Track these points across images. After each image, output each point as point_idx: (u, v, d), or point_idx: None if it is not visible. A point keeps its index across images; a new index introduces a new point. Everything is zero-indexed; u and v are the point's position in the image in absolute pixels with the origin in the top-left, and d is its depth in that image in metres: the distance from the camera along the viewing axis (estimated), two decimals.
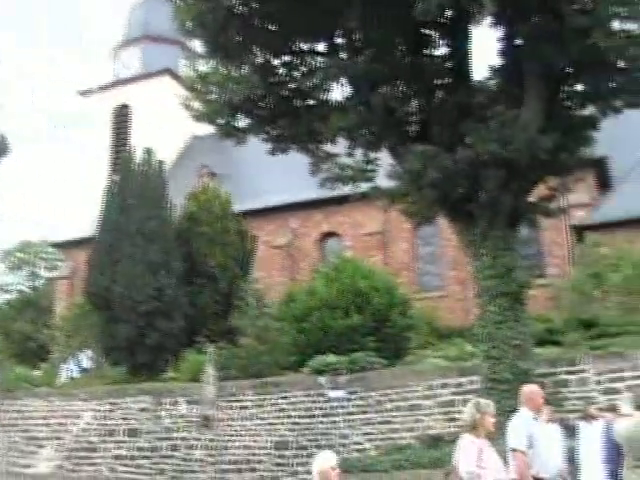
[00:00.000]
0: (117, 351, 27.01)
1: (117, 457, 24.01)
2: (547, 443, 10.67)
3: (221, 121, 20.77)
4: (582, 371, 19.16)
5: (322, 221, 37.74)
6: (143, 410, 24.05)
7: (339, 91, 19.86)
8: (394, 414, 20.75)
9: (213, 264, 28.68)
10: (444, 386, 20.36)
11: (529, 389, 10.93)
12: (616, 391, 17.89)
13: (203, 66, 20.94)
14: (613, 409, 13.26)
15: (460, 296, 31.07)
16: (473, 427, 8.86)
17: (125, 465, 23.75)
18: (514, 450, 9.74)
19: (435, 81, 19.44)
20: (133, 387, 24.89)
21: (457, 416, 19.88)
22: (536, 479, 9.94)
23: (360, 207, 31.80)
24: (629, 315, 23.77)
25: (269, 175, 37.64)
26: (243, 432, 22.54)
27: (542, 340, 21.85)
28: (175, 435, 23.34)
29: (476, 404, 9.04)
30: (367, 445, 20.77)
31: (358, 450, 20.89)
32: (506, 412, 17.71)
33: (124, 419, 24.35)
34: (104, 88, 51.47)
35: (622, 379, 18.39)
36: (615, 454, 11.25)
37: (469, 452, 8.70)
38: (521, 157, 17.23)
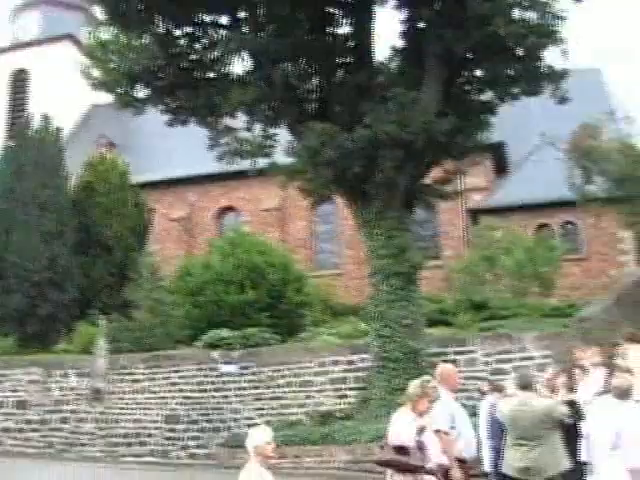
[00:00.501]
0: (7, 321, 26.32)
1: (5, 430, 23.41)
2: (467, 423, 10.67)
3: (120, 90, 20.38)
4: (471, 352, 19.53)
5: (221, 195, 37.48)
6: (32, 382, 23.53)
7: (240, 65, 19.74)
8: (286, 390, 20.82)
9: (109, 235, 28.17)
10: (336, 363, 20.50)
11: (445, 369, 10.70)
12: (503, 372, 18.29)
13: (104, 34, 20.49)
14: (499, 389, 13.54)
15: (356, 275, 31.28)
16: (412, 403, 8.80)
17: (14, 438, 23.17)
18: (437, 431, 9.65)
19: (337, 60, 19.48)
20: (23, 358, 24.28)
21: (348, 393, 20.17)
22: (458, 460, 9.85)
23: (259, 183, 31.69)
24: (519, 298, 24.40)
25: (170, 147, 37.19)
26: (134, 405, 22.27)
27: (434, 320, 22.23)
28: (65, 408, 22.93)
29: (424, 382, 8.96)
30: (258, 420, 20.74)
31: (249, 425, 20.87)
32: (395, 390, 18.18)
33: (13, 391, 23.73)
34: (1, 51, 49.81)
35: (509, 360, 18.82)
36: (498, 431, 11.50)
37: (409, 426, 8.66)
38: (418, 139, 17.41)
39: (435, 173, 20.45)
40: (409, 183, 18.55)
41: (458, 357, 19.45)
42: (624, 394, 9.11)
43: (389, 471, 8.62)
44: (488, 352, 19.21)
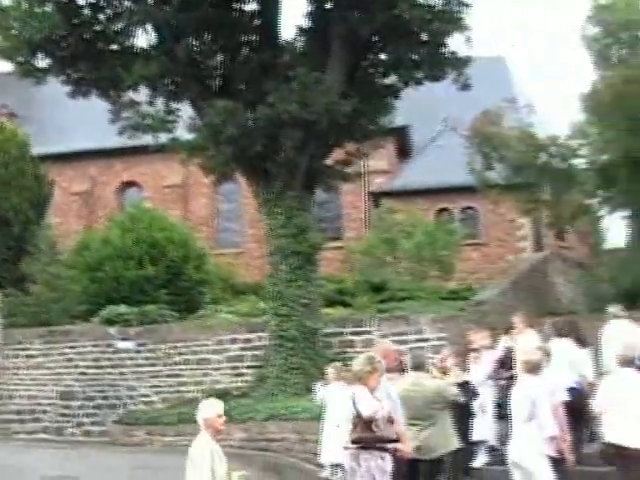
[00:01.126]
0: None
1: None
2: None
3: (20, 59, 19.79)
4: (368, 332, 19.73)
5: (123, 170, 36.79)
6: None
7: (144, 39, 19.45)
8: (183, 367, 20.76)
9: (6, 208, 27.41)
10: (233, 341, 20.52)
11: (384, 346, 10.64)
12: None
13: None
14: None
15: (258, 254, 31.18)
16: (363, 380, 8.71)
17: None
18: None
19: (242, 37, 19.38)
20: None
21: (245, 371, 20.21)
22: None
23: (161, 159, 31.22)
24: (418, 281, 24.75)
25: (72, 119, 36.26)
26: (29, 381, 21.93)
27: (333, 301, 22.44)
28: None
29: (371, 358, 8.87)
30: (154, 398, 20.70)
31: (145, 402, 20.79)
32: (292, 369, 18.31)
33: None
34: None
35: (405, 342, 19.05)
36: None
37: (368, 398, 8.62)
38: (320, 120, 17.47)
39: (338, 155, 20.57)
40: (310, 164, 18.61)
41: (355, 337, 19.68)
42: (535, 368, 9.38)
43: (351, 451, 8.47)
44: (384, 333, 19.39)
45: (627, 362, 9.08)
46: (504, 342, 13.61)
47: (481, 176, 25.71)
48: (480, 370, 12.91)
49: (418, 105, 32.91)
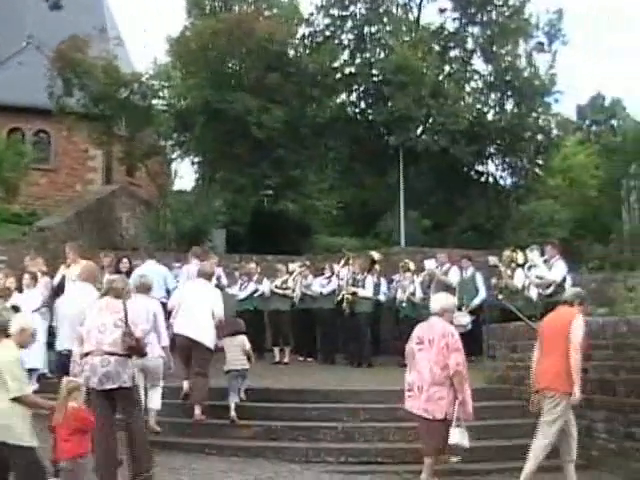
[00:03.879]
0: None
1: None
2: None
3: None
4: None
5: None
6: None
7: None
8: None
9: None
10: None
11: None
12: None
13: None
14: None
15: None
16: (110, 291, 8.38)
17: None
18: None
19: None
20: None
21: None
22: None
23: None
24: None
25: None
26: None
27: None
28: None
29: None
30: None
31: None
32: None
33: None
34: None
35: None
36: None
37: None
38: None
39: None
40: None
41: None
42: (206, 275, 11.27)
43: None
44: None
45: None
46: (61, 271, 13.75)
47: (59, 101, 25.19)
48: (35, 296, 12.81)
49: (2, 18, 31.30)
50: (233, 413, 10.11)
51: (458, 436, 8.06)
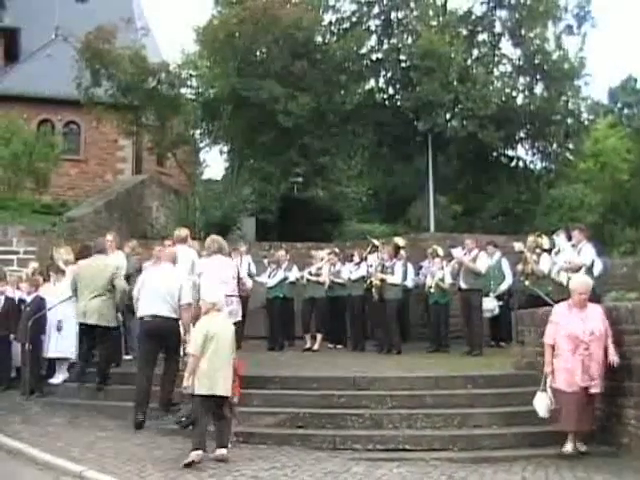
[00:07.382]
0: None
1: None
2: None
3: None
4: None
5: None
6: None
7: None
8: None
9: None
10: None
11: None
12: None
13: None
14: None
15: None
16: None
17: None
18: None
19: None
20: None
21: None
22: None
23: None
24: (13, 191, 23.79)
25: None
26: None
27: None
28: None
29: None
30: None
31: None
32: None
33: None
34: None
35: None
36: None
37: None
38: None
39: None
40: None
41: None
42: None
43: None
44: None
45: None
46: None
47: (87, 92, 25.29)
48: (63, 287, 12.83)
49: (30, 9, 31.45)
50: None
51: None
